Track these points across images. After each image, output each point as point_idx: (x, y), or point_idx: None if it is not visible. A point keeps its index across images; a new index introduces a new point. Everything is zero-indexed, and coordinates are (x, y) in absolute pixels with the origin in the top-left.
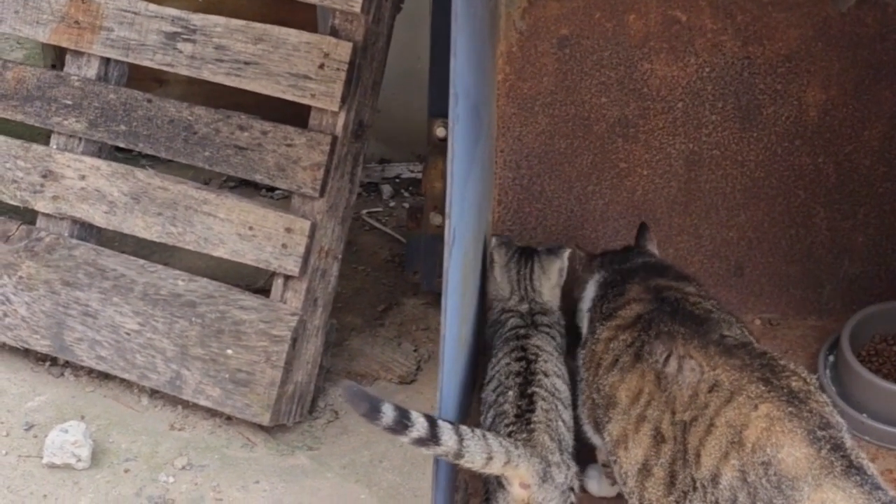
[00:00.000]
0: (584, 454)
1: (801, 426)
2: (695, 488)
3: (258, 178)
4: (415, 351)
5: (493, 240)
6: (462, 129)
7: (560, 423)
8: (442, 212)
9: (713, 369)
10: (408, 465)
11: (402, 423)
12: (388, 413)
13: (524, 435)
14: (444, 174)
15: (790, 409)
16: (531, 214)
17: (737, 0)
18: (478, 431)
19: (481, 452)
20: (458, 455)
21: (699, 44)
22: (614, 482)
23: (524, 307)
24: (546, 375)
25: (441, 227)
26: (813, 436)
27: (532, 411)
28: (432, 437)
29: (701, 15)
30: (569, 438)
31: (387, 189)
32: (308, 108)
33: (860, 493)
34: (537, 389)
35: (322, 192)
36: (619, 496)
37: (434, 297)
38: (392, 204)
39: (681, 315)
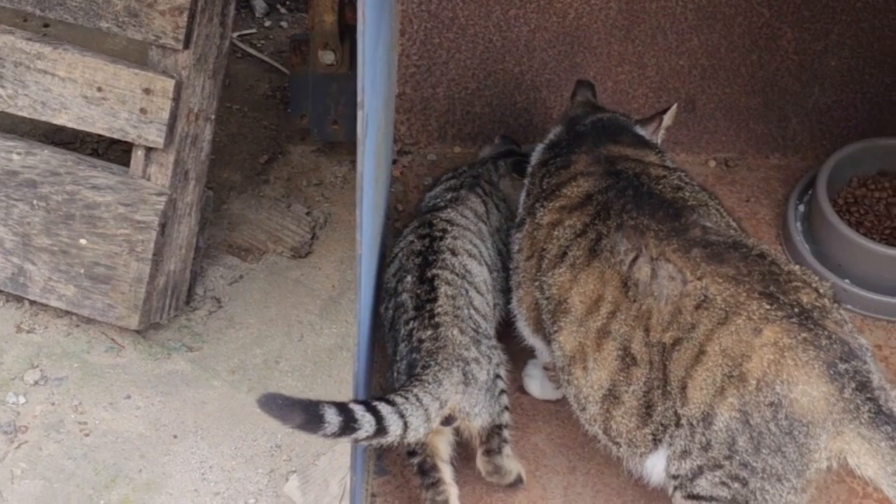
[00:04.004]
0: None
1: (818, 357)
2: (679, 424)
3: (103, 25)
4: (307, 214)
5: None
6: None
7: (471, 310)
8: (333, 48)
9: (699, 279)
10: (309, 365)
11: (349, 426)
12: (332, 420)
13: (429, 332)
14: (333, 5)
15: (804, 334)
16: (441, 46)
17: None
18: (411, 397)
19: (422, 420)
20: (404, 436)
21: None
22: (559, 385)
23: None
24: (454, 254)
25: (332, 66)
26: (833, 370)
27: (434, 300)
28: (379, 431)
29: None
30: (486, 325)
31: (260, 5)
32: None
33: (890, 447)
34: (439, 272)
35: (187, 43)
36: (565, 400)
37: (325, 144)
38: (268, 24)
39: (646, 200)
